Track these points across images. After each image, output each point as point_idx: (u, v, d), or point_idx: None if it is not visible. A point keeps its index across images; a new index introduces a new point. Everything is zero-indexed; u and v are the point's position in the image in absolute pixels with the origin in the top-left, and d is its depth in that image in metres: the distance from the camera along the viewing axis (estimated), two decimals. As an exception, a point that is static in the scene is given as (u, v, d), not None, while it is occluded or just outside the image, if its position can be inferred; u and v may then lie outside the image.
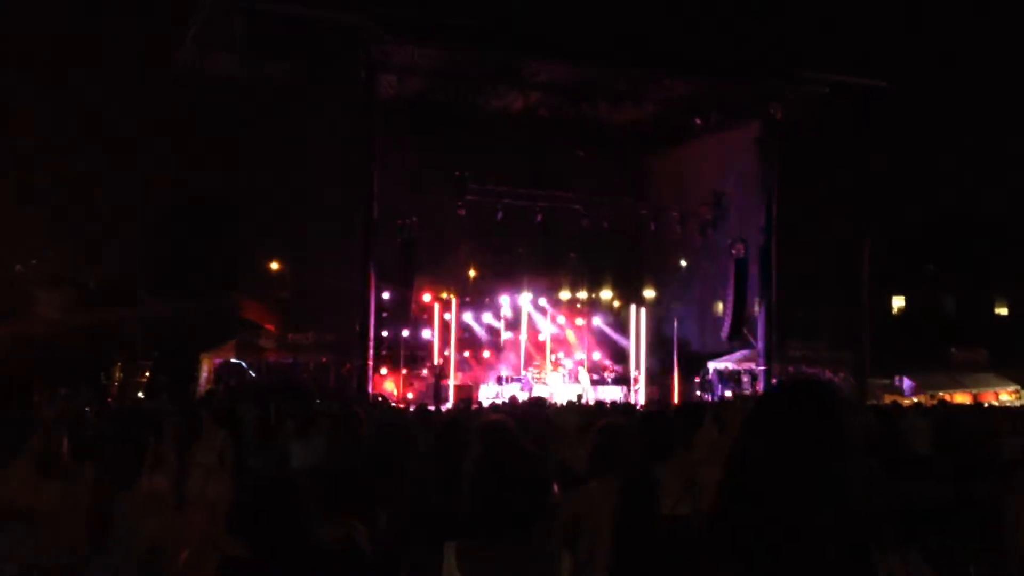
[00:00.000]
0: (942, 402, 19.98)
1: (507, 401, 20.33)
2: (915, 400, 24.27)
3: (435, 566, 2.69)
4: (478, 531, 2.71)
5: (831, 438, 2.20)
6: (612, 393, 27.37)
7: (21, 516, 2.42)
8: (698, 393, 27.77)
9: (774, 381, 26.28)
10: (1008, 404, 24.31)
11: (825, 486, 2.15)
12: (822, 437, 2.19)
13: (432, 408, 17.51)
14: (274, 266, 28.01)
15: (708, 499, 4.18)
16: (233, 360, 25.64)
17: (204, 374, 25.93)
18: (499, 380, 28.20)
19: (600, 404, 18.93)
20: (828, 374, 26.85)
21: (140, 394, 24.99)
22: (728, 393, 27.84)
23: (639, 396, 28.02)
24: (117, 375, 27.62)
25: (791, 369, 27.48)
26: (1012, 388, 28.82)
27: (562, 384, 27.77)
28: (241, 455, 6.06)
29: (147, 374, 27.72)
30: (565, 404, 18.04)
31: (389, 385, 26.35)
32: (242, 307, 27.92)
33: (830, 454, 2.18)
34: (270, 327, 26.44)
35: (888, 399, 24.99)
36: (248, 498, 2.59)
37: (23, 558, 2.08)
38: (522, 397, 24.49)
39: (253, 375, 25.58)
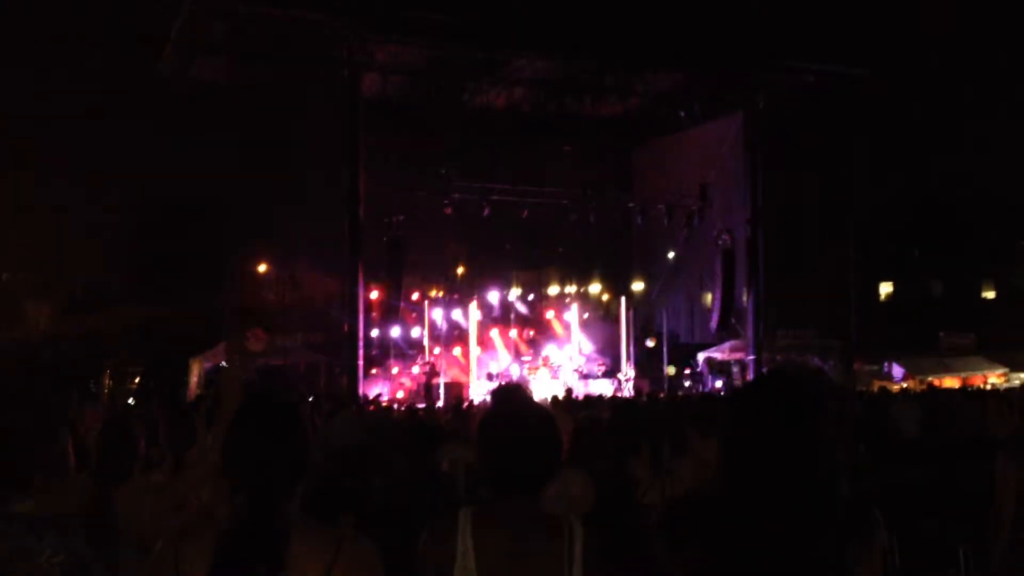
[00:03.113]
0: (931, 386, 20.05)
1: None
2: (904, 385, 24.37)
3: (407, 553, 2.73)
4: (491, 494, 2.74)
5: (810, 428, 2.23)
6: (602, 387, 27.38)
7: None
8: (687, 384, 27.83)
9: (762, 371, 26.37)
10: (996, 387, 24.42)
11: (805, 477, 2.18)
12: (801, 428, 2.22)
13: (422, 408, 17.54)
14: (261, 268, 27.93)
15: (679, 488, 4.23)
16: (223, 364, 25.56)
17: (194, 378, 25.86)
18: (489, 376, 28.22)
19: (588, 398, 18.93)
20: (817, 362, 26.95)
21: (131, 400, 24.89)
22: (719, 383, 27.89)
23: (629, 389, 28.04)
24: (107, 382, 27.50)
25: (779, 358, 27.56)
26: (1000, 371, 28.97)
27: (549, 379, 27.78)
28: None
29: (137, 380, 27.61)
30: (553, 399, 18.03)
31: (380, 385, 26.35)
32: (230, 310, 27.84)
33: (809, 445, 2.21)
34: (258, 329, 26.37)
35: (877, 385, 25.08)
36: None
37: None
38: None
39: (244, 379, 25.48)
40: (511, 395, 3.60)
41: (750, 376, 26.71)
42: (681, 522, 2.36)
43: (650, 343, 30.19)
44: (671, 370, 27.67)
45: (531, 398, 3.80)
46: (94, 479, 4.33)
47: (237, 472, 2.68)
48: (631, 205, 29.83)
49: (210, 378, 25.08)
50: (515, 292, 30.46)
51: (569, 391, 23.46)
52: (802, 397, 2.26)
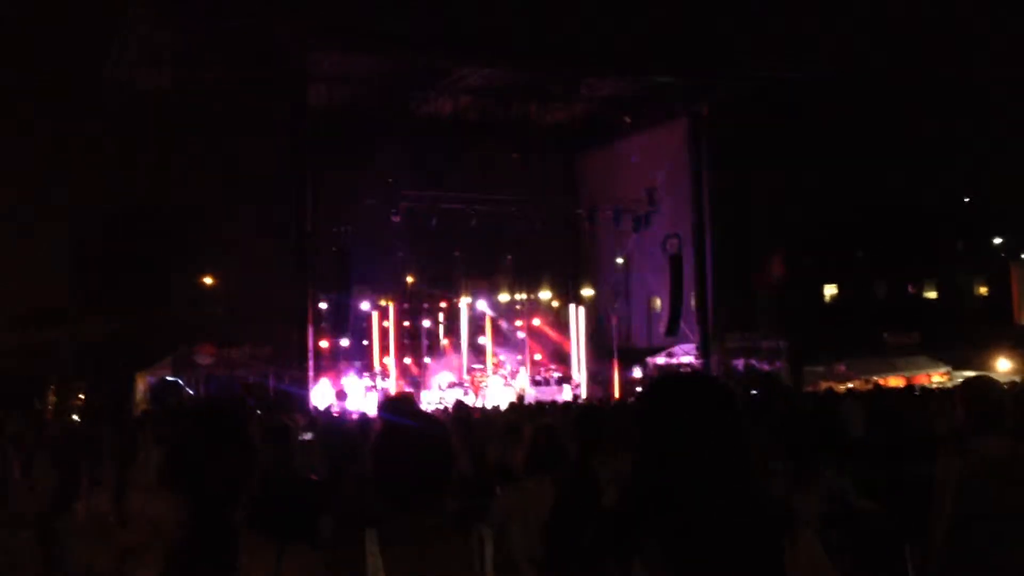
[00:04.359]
0: (876, 386, 20.35)
1: (451, 407, 20.28)
2: (850, 385, 24.71)
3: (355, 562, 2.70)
4: (392, 510, 2.72)
5: (711, 430, 2.26)
6: (554, 393, 27.44)
7: None
8: (639, 389, 27.96)
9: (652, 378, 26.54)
10: (940, 386, 24.85)
11: (711, 476, 2.22)
12: (701, 430, 2.26)
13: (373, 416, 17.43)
14: (207, 280, 27.63)
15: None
16: (169, 378, 25.24)
17: (140, 393, 25.48)
18: (440, 386, 28.17)
19: (540, 404, 18.97)
20: (765, 364, 27.25)
21: (76, 416, 24.48)
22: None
23: (581, 395, 28.14)
24: (51, 398, 27.03)
25: (729, 361, 27.83)
26: (943, 370, 29.48)
27: (502, 387, 27.79)
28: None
29: (82, 396, 27.17)
30: (506, 406, 18.05)
31: (329, 395, 26.15)
32: (176, 323, 27.49)
33: (712, 445, 2.24)
34: (205, 342, 26.07)
35: (824, 386, 25.40)
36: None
37: None
38: (468, 401, 24.49)
39: (191, 392, 25.21)
40: (399, 408, 3.59)
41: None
42: (620, 526, 2.37)
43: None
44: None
45: (419, 409, 3.79)
46: (37, 502, 4.26)
47: (183, 484, 2.66)
48: (578, 211, 29.97)
49: (156, 393, 24.75)
50: (465, 300, 30.43)
51: (521, 397, 23.52)
52: (703, 398, 2.31)
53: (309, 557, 2.67)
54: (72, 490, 4.41)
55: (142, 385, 25.71)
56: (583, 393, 28.44)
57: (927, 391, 17.51)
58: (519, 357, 30.61)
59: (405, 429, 2.84)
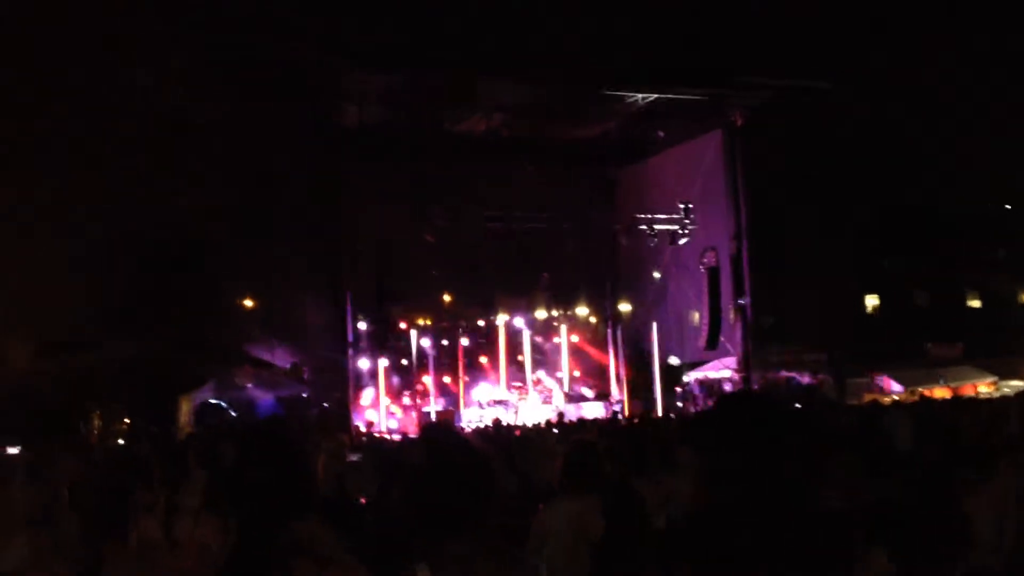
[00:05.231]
0: (923, 397, 20.07)
1: (490, 425, 20.28)
2: (895, 397, 24.40)
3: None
4: (436, 536, 2.68)
5: (772, 447, 2.25)
6: (594, 410, 27.33)
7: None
8: (679, 404, 27.80)
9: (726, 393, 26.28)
10: (989, 395, 24.47)
11: (776, 493, 2.19)
12: (764, 448, 2.24)
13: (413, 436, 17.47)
14: (247, 302, 27.82)
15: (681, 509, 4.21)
16: (212, 400, 25.43)
17: (183, 416, 25.69)
18: (480, 404, 28.18)
19: (582, 421, 18.89)
20: (807, 377, 26.97)
21: (120, 440, 24.70)
22: (711, 403, 27.79)
23: (621, 411, 28.02)
24: (96, 422, 27.27)
25: (769, 374, 27.58)
26: (989, 380, 29.05)
27: (541, 404, 27.74)
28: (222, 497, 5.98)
29: (126, 420, 27.39)
30: (545, 424, 18.00)
31: (371, 415, 26.26)
32: (217, 345, 27.68)
33: (775, 462, 2.22)
34: (247, 365, 26.25)
35: (868, 397, 25.10)
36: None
37: None
38: (507, 419, 24.47)
39: (233, 414, 25.40)
40: (440, 434, 3.56)
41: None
42: (675, 547, 2.36)
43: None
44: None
45: (458, 433, 3.77)
46: (83, 530, 4.25)
47: (228, 507, 2.66)
48: (613, 226, 29.89)
49: (199, 415, 24.96)
50: (503, 317, 30.42)
51: (561, 415, 23.44)
52: (762, 417, 2.29)
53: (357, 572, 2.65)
54: (121, 516, 4.40)
55: (186, 407, 25.93)
56: (625, 410, 28.32)
57: (975, 401, 17.23)
58: (557, 374, 30.54)
59: (443, 455, 2.81)
